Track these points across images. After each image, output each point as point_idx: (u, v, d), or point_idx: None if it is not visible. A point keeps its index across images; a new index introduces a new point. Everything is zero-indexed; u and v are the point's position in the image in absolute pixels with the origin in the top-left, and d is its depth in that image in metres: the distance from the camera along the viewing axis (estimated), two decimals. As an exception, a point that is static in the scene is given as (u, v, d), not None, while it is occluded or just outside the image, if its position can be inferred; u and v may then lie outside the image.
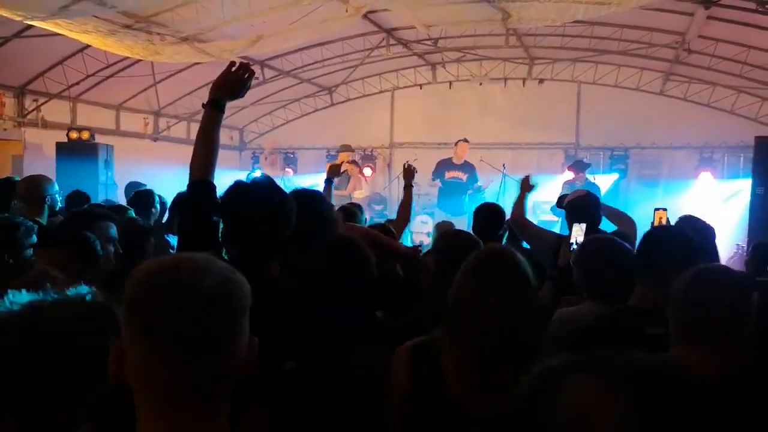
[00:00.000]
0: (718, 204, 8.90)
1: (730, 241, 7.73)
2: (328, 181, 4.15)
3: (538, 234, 3.55)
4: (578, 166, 8.87)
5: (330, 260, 2.09)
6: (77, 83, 7.87)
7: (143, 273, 0.95)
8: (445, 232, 3.27)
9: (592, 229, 3.50)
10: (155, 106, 9.75)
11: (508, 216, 3.73)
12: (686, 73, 9.36)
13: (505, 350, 1.55)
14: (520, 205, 3.70)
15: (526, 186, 3.68)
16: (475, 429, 1.52)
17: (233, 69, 2.16)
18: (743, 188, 8.39)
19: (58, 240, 2.56)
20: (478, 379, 1.56)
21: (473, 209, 3.99)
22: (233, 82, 2.18)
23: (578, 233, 3.96)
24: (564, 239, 3.62)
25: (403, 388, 1.66)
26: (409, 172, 4.03)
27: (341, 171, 4.85)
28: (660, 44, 8.20)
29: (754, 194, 6.86)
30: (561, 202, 3.78)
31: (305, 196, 2.29)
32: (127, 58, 7.38)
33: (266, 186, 1.89)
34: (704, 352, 1.61)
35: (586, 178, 8.77)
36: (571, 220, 3.64)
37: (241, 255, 1.74)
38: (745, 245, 6.90)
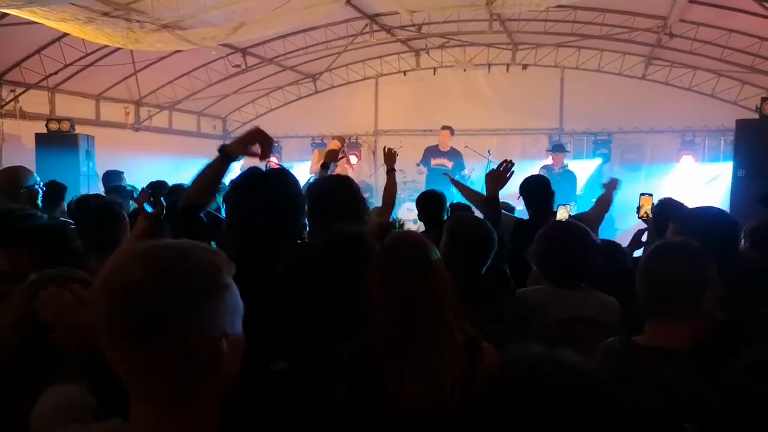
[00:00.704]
0: (700, 187, 9.02)
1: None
2: (325, 167, 3.97)
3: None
4: (557, 149, 8.92)
5: (339, 253, 2.02)
6: (55, 73, 7.71)
7: (108, 264, 0.98)
8: (456, 215, 3.26)
9: (544, 212, 3.62)
10: (136, 96, 9.61)
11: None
12: (668, 57, 9.43)
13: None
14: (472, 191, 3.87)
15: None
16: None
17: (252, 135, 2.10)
18: (724, 171, 8.51)
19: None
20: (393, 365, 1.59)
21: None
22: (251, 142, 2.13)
23: (563, 214, 4.02)
24: (524, 222, 3.71)
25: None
26: (390, 156, 4.02)
27: (338, 157, 4.71)
28: (642, 28, 8.23)
29: (735, 177, 6.96)
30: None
31: (337, 181, 2.31)
32: (106, 46, 7.25)
33: (278, 178, 1.83)
34: (672, 325, 1.65)
35: (564, 164, 8.80)
36: (526, 203, 3.75)
37: (243, 250, 1.68)
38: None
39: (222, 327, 0.96)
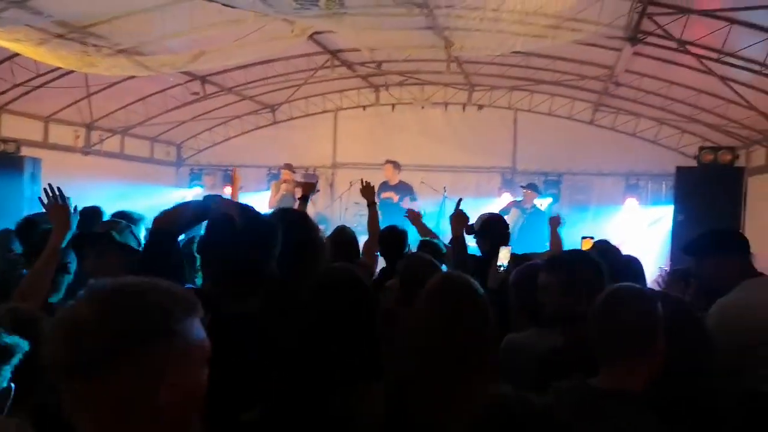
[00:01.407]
0: (643, 229, 9.41)
1: (654, 265, 8.18)
2: (305, 199, 3.94)
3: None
4: (531, 187, 8.89)
5: (322, 294, 1.89)
6: (3, 92, 7.46)
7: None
8: (408, 256, 3.30)
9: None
10: (88, 119, 9.36)
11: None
12: (614, 104, 9.92)
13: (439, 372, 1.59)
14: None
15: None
16: None
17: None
18: (666, 214, 8.91)
19: None
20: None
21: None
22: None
23: (505, 256, 4.12)
24: (483, 261, 3.77)
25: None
26: (368, 190, 4.05)
27: (316, 189, 4.66)
28: (590, 76, 8.66)
29: (675, 221, 7.31)
30: (470, 230, 3.79)
31: (292, 218, 2.15)
32: (59, 68, 7.08)
33: (246, 215, 1.73)
34: (626, 367, 1.70)
35: (534, 204, 8.88)
36: (483, 240, 3.77)
37: (214, 288, 1.62)
38: (668, 268, 7.32)
39: (165, 375, 0.93)
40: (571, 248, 3.58)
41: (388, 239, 3.94)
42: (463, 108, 11.02)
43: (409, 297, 2.31)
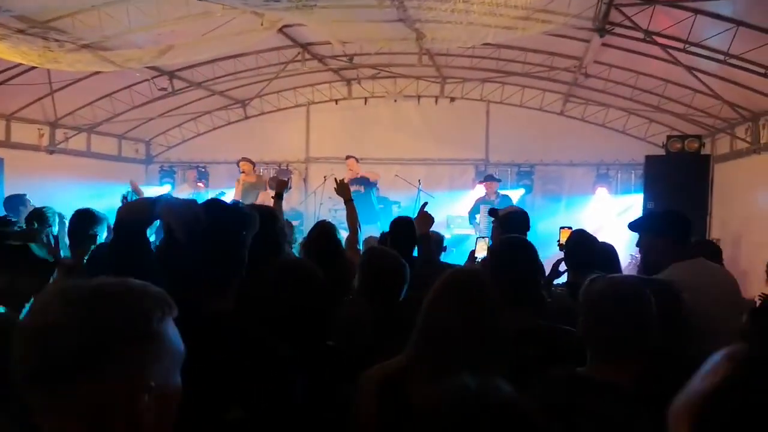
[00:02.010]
0: (613, 217, 9.58)
1: (625, 252, 8.35)
2: (279, 197, 4.01)
3: None
4: (488, 179, 9.28)
5: (284, 286, 1.97)
6: (-39, 90, 7.20)
7: (33, 303, 0.95)
8: (371, 249, 3.28)
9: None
10: (52, 117, 9.10)
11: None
12: (583, 95, 10.05)
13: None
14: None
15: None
16: None
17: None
18: (635, 203, 9.09)
19: None
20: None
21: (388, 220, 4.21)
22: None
23: (482, 248, 4.19)
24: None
25: (368, 425, 1.62)
26: (343, 187, 4.13)
27: (288, 186, 4.65)
28: (560, 68, 8.76)
29: (645, 209, 7.45)
30: (494, 213, 4.10)
31: (261, 213, 2.16)
32: (20, 64, 6.85)
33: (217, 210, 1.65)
34: (618, 361, 1.70)
35: (497, 192, 9.15)
36: (501, 230, 3.81)
37: (186, 289, 1.52)
38: (639, 256, 7.46)
39: (145, 378, 0.90)
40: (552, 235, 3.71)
41: (397, 229, 3.92)
42: (436, 101, 11.05)
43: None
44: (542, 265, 2.90)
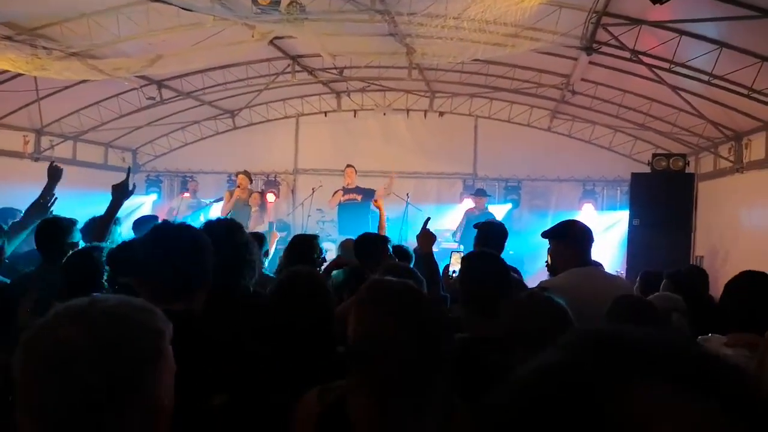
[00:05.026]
0: (599, 233, 9.66)
1: (610, 268, 8.41)
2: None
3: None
4: (479, 193, 9.36)
5: (287, 294, 2.05)
6: (-55, 95, 7.11)
7: (25, 336, 0.88)
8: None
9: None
10: (38, 124, 9.01)
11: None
12: (570, 112, 10.17)
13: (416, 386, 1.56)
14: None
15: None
16: None
17: None
18: (621, 219, 9.18)
19: None
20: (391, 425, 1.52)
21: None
22: None
23: (456, 261, 4.18)
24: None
25: None
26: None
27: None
28: (548, 84, 8.86)
29: (630, 225, 7.53)
30: (477, 226, 4.07)
31: (218, 226, 2.28)
32: (6, 71, 6.79)
33: (177, 224, 1.88)
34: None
35: (485, 208, 9.21)
36: (479, 242, 3.85)
37: (154, 292, 1.66)
38: (624, 272, 7.53)
39: (167, 392, 0.92)
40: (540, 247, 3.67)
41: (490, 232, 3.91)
42: (425, 115, 11.11)
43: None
44: (514, 278, 2.89)
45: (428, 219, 3.69)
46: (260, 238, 4.09)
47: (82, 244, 3.24)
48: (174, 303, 1.65)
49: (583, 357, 0.52)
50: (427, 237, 3.41)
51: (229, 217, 8.45)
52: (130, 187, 3.16)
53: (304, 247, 3.67)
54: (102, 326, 0.87)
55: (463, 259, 2.73)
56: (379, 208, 6.63)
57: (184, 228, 1.89)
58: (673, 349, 0.53)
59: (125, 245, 2.33)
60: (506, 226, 4.37)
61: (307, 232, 9.78)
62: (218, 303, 1.89)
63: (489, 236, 3.81)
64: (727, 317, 2.51)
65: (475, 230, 3.90)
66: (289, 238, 9.52)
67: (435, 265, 3.27)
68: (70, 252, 2.98)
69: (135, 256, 1.78)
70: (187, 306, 1.70)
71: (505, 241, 3.86)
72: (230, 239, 2.25)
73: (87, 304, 0.90)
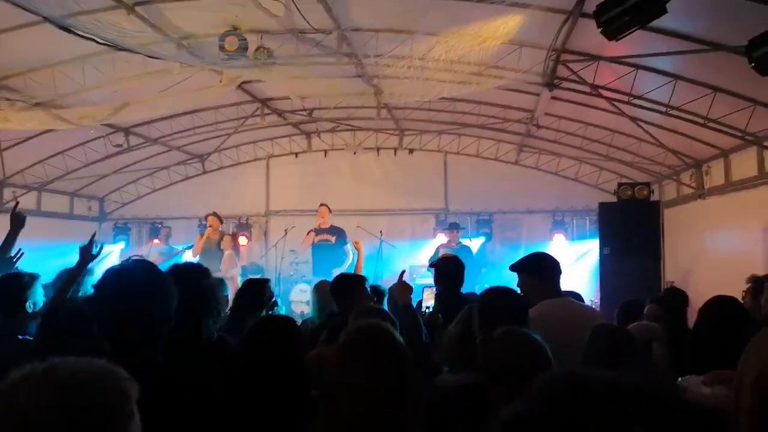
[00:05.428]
0: (571, 263, 9.77)
1: (584, 298, 8.47)
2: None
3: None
4: (452, 227, 9.43)
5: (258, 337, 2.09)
6: None
7: None
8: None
9: (452, 291, 3.75)
10: (0, 175, 8.80)
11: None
12: (536, 145, 10.40)
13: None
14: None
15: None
16: None
17: None
18: (591, 248, 9.31)
19: None
20: None
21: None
22: None
23: (429, 297, 4.19)
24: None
25: None
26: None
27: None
28: (513, 119, 9.08)
29: (601, 254, 7.63)
30: (432, 265, 4.17)
31: (184, 269, 2.29)
32: (-33, 122, 6.65)
33: (137, 268, 1.81)
34: None
35: (460, 241, 9.27)
36: (436, 280, 3.88)
37: (113, 344, 1.63)
38: (598, 301, 7.59)
39: None
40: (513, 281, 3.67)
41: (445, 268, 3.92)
42: (395, 152, 11.23)
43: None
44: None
45: (403, 272, 3.60)
46: (220, 282, 4.06)
47: (42, 300, 3.13)
48: (139, 352, 1.62)
49: (555, 408, 0.52)
50: (404, 289, 3.28)
51: (197, 259, 8.38)
52: (96, 250, 3.11)
53: (254, 290, 3.70)
54: (63, 395, 0.83)
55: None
56: (358, 250, 6.74)
57: (142, 265, 1.86)
58: (648, 399, 0.54)
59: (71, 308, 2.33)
60: (480, 259, 4.42)
61: (281, 275, 9.79)
62: (184, 351, 1.86)
63: (443, 274, 3.89)
64: (701, 342, 2.55)
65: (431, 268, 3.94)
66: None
67: (416, 317, 3.14)
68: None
69: (93, 310, 1.74)
70: (151, 353, 1.67)
71: (462, 273, 3.90)
72: (196, 283, 2.24)
73: (45, 370, 0.86)
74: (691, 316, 4.12)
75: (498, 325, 2.09)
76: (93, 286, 1.78)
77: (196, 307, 2.18)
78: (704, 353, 2.39)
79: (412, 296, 3.24)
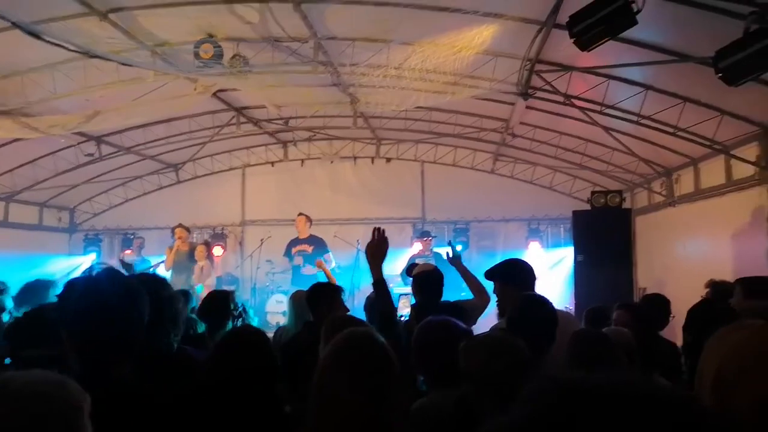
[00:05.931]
0: (546, 271, 9.87)
1: (559, 304, 8.55)
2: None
3: None
4: (423, 235, 9.50)
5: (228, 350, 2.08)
6: None
7: None
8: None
9: (431, 301, 3.75)
10: (-35, 185, 8.57)
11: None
12: (512, 154, 10.52)
13: None
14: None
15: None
16: None
17: None
18: (566, 255, 9.42)
19: None
20: None
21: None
22: None
23: (404, 305, 4.20)
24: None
25: None
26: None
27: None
28: (489, 129, 9.17)
29: (575, 261, 7.72)
30: (410, 270, 4.14)
31: (143, 281, 2.23)
32: (-70, 131, 6.47)
33: (101, 280, 1.73)
34: None
35: (432, 251, 9.29)
36: (417, 290, 3.88)
37: (82, 360, 1.57)
38: (573, 307, 7.67)
39: None
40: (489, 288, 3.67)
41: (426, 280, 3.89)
42: (372, 161, 11.24)
43: None
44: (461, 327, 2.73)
45: (382, 230, 2.88)
46: (186, 294, 3.97)
47: (10, 307, 3.06)
48: (109, 371, 1.57)
49: (552, 411, 0.52)
50: (372, 252, 2.73)
51: (170, 273, 8.24)
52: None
53: (219, 302, 3.70)
54: (15, 410, 0.82)
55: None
56: (323, 270, 6.91)
57: (113, 275, 1.78)
58: (639, 396, 0.54)
59: (30, 316, 2.25)
60: (444, 263, 4.44)
61: (257, 285, 9.69)
62: (148, 364, 1.81)
63: (423, 285, 3.90)
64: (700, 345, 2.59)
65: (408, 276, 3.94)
66: (240, 292, 9.26)
67: (389, 297, 2.73)
68: None
69: (61, 317, 1.65)
70: (122, 372, 1.60)
71: (442, 285, 3.90)
72: (155, 295, 2.19)
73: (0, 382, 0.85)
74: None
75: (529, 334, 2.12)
76: (58, 295, 1.71)
77: (155, 319, 2.13)
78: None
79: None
